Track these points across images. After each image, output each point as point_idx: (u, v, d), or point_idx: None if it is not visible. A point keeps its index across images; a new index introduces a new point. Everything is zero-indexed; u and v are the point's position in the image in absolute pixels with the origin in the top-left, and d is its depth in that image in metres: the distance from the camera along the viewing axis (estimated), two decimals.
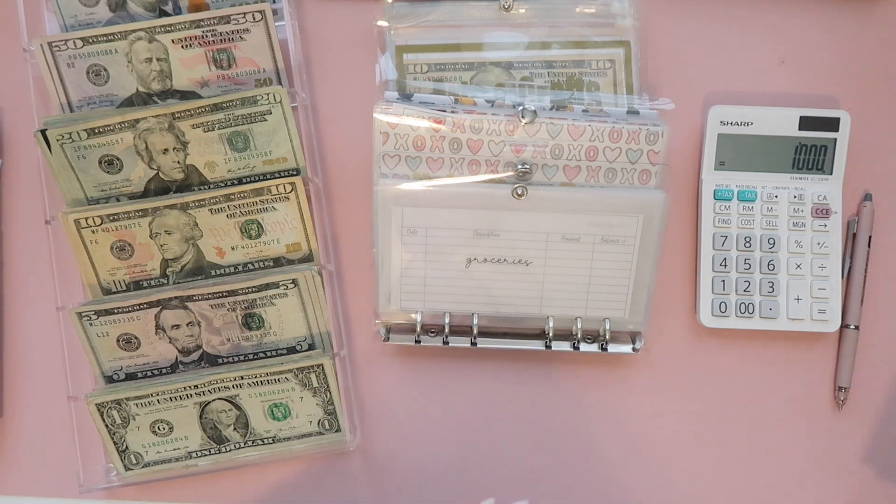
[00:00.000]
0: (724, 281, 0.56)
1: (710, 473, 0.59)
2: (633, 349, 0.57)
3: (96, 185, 0.56)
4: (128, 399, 0.56)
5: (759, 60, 0.58)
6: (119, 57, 0.55)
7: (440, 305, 0.56)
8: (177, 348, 0.57)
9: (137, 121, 0.54)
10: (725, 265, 0.56)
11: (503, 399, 0.59)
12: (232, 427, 0.57)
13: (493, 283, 0.56)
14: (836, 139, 0.56)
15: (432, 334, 0.57)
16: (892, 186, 0.58)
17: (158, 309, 0.56)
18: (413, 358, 0.59)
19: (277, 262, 0.57)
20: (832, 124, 0.56)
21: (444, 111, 0.54)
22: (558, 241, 0.55)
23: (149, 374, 0.58)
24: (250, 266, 0.57)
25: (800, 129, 0.56)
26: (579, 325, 0.56)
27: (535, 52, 0.57)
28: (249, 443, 0.58)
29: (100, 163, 0.56)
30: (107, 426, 0.56)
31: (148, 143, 0.55)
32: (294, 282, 0.55)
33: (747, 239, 0.56)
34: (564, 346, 0.57)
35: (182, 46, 0.55)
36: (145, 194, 0.57)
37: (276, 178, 0.56)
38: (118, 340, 0.56)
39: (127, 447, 0.57)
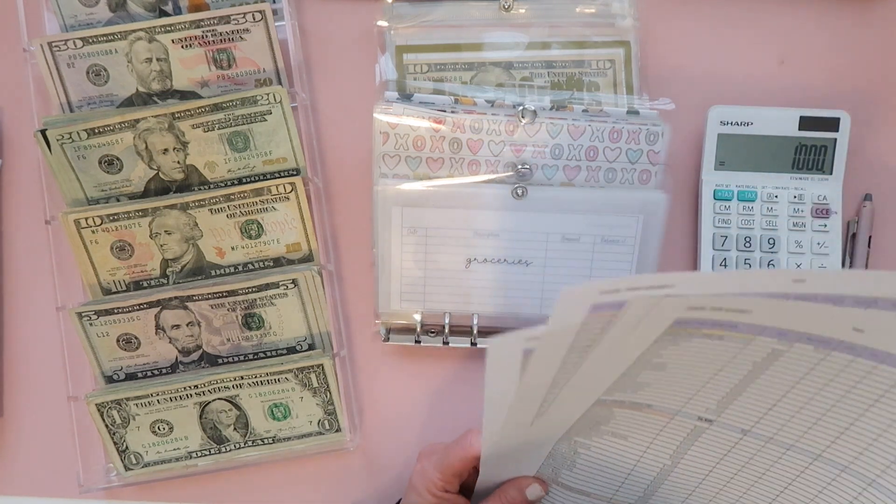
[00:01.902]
0: None
1: None
2: None
3: (96, 185, 0.56)
4: (128, 399, 0.56)
5: (759, 60, 0.58)
6: (119, 57, 0.55)
7: (440, 305, 0.56)
8: (177, 348, 0.57)
9: (137, 121, 0.55)
10: (725, 265, 0.56)
11: None
12: (232, 427, 0.57)
13: (493, 283, 0.56)
14: (836, 139, 0.56)
15: (432, 334, 0.57)
16: (892, 186, 0.58)
17: (158, 309, 0.56)
18: (413, 358, 0.59)
19: (277, 262, 0.57)
20: (832, 124, 0.56)
21: (444, 111, 0.54)
22: (558, 241, 0.55)
23: (149, 374, 0.58)
24: (250, 266, 0.57)
25: (800, 129, 0.56)
26: None
27: (535, 52, 0.57)
28: (249, 443, 0.58)
29: (100, 163, 0.56)
30: (107, 426, 0.56)
31: (148, 143, 0.55)
32: (294, 282, 0.55)
33: (747, 239, 0.56)
34: None
35: (182, 46, 0.55)
36: (145, 194, 0.57)
37: (276, 178, 0.56)
38: (118, 340, 0.56)
39: (127, 447, 0.57)
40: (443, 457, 0.48)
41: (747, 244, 0.56)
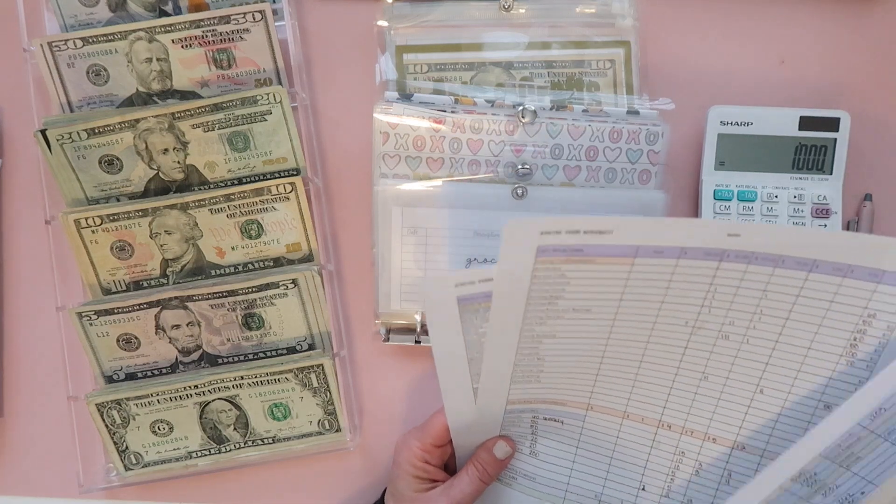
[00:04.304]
0: None
1: None
2: None
3: (96, 185, 0.56)
4: (128, 399, 0.56)
5: (759, 60, 0.58)
6: (119, 57, 0.55)
7: None
8: (177, 348, 0.57)
9: (137, 121, 0.55)
10: None
11: None
12: (232, 427, 0.57)
13: None
14: (836, 139, 0.56)
15: None
16: (892, 186, 0.58)
17: (158, 309, 0.56)
18: (413, 358, 0.59)
19: (277, 262, 0.57)
20: (832, 124, 0.56)
21: (444, 111, 0.54)
22: None
23: (149, 374, 0.58)
24: (250, 266, 0.57)
25: (800, 129, 0.56)
26: None
27: (535, 52, 0.57)
28: (249, 443, 0.58)
29: (100, 163, 0.56)
30: (107, 426, 0.56)
31: (148, 143, 0.55)
32: (294, 282, 0.55)
33: None
34: None
35: (182, 46, 0.55)
36: (145, 194, 0.57)
37: (276, 178, 0.56)
38: (118, 340, 0.56)
39: (127, 447, 0.57)
40: (422, 426, 0.50)
41: None
